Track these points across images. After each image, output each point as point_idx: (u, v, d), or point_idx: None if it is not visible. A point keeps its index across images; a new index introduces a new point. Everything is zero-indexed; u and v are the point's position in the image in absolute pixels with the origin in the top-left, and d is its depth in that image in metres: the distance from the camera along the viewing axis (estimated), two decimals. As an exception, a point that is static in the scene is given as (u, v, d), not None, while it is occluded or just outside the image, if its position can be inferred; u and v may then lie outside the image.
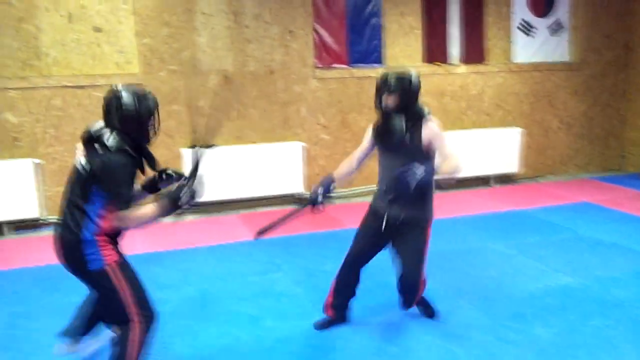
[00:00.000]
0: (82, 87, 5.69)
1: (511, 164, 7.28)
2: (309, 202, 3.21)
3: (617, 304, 3.73)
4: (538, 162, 7.69)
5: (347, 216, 5.88)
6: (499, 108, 7.40)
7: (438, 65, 6.99)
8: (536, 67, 7.45)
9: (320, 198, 3.18)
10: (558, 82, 7.61)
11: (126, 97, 2.59)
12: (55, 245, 2.65)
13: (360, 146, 3.44)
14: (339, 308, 3.47)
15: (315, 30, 6.43)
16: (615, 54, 7.82)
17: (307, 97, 6.51)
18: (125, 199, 2.50)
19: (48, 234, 5.55)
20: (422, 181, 2.92)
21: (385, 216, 3.20)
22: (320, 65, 6.51)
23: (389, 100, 3.15)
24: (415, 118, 3.15)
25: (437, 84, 7.03)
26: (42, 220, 5.72)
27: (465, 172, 6.90)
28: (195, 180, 2.69)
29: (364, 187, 6.64)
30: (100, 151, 2.54)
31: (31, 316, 3.74)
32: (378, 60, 6.74)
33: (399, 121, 3.14)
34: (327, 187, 3.21)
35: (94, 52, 5.71)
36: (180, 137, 6.04)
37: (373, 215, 3.30)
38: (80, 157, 2.63)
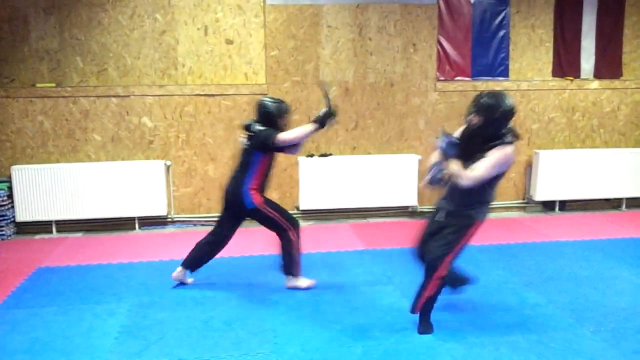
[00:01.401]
0: (212, 95, 6.05)
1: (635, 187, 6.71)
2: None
3: None
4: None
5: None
6: (636, 127, 6.85)
7: (569, 80, 6.63)
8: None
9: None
10: None
11: (267, 102, 4.13)
12: (227, 196, 4.15)
13: None
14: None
15: (439, 43, 6.36)
16: None
17: (426, 110, 6.44)
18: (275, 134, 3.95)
19: (172, 231, 5.99)
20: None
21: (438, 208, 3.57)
22: (442, 78, 6.42)
23: (474, 119, 3.30)
24: (493, 141, 3.26)
25: (567, 100, 6.67)
26: (169, 218, 6.14)
27: (592, 194, 6.54)
28: (330, 107, 3.95)
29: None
30: (254, 133, 4.04)
31: (156, 306, 4.02)
32: (504, 73, 6.53)
33: (476, 140, 3.30)
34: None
35: (225, 63, 6.06)
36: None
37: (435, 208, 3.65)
38: (243, 139, 4.12)
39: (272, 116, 4.06)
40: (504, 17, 6.42)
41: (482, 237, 5.44)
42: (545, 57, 6.60)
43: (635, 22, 6.67)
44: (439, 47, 6.37)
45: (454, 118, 6.48)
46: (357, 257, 5.05)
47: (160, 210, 6.00)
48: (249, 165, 4.07)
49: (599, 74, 6.70)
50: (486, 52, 6.47)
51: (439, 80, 6.41)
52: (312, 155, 6.20)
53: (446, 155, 3.35)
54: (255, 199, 4.07)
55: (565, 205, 6.72)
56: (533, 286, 4.29)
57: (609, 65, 6.72)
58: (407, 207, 6.42)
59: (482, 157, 3.24)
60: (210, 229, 4.37)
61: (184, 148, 6.12)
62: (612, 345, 3.36)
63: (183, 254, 4.38)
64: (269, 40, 6.08)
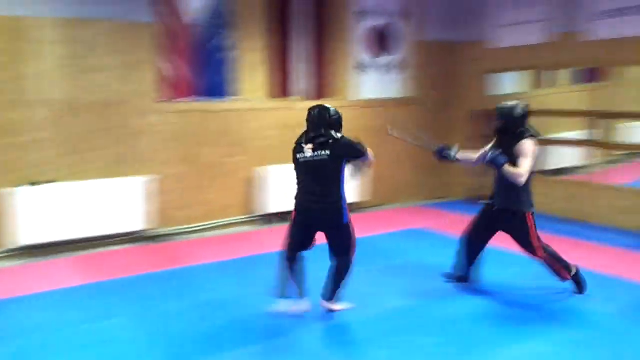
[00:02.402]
0: None
1: (357, 194, 7.59)
2: (440, 153, 4.54)
3: (445, 321, 4.02)
4: (380, 192, 8.08)
5: (187, 253, 5.75)
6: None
7: (285, 100, 7.16)
8: (375, 102, 7.93)
9: (453, 154, 4.50)
10: (395, 117, 8.11)
11: (332, 108, 4.18)
12: (323, 214, 3.98)
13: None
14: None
15: (160, 63, 6.27)
16: (444, 92, 8.59)
17: (148, 131, 6.27)
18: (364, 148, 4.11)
19: None
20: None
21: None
22: (164, 99, 6.34)
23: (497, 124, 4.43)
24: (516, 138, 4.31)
25: (283, 119, 7.16)
26: None
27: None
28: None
29: (203, 223, 6.59)
30: (332, 141, 3.96)
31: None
32: (226, 93, 6.74)
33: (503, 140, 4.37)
34: (454, 150, 4.51)
35: None
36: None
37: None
38: (309, 152, 3.96)
39: (339, 123, 4.08)
40: (223, 40, 6.64)
41: (212, 254, 5.58)
42: (262, 78, 7.02)
43: (335, 48, 7.53)
44: (159, 67, 6.29)
45: (178, 139, 6.46)
46: (76, 294, 4.62)
47: None
48: (338, 177, 3.97)
49: (309, 95, 7.38)
50: (207, 73, 6.59)
51: (160, 101, 6.32)
52: (34, 184, 5.52)
53: (496, 165, 4.17)
54: (348, 214, 4.00)
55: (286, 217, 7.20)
56: (268, 295, 4.49)
57: (318, 86, 7.47)
58: (133, 233, 6.16)
59: (511, 152, 4.18)
60: None
61: None
62: (332, 339, 3.67)
63: None
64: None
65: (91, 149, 5.96)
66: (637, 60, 6.55)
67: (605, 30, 6.66)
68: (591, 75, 8.07)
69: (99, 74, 5.92)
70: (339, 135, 4.02)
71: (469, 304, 4.33)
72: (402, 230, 6.71)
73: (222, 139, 6.74)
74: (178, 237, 6.42)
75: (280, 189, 6.92)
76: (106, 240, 6.02)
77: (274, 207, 6.95)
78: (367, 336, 3.80)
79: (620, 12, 6.48)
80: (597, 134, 6.98)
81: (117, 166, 6.13)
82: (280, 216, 7.03)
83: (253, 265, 5.35)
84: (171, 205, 6.45)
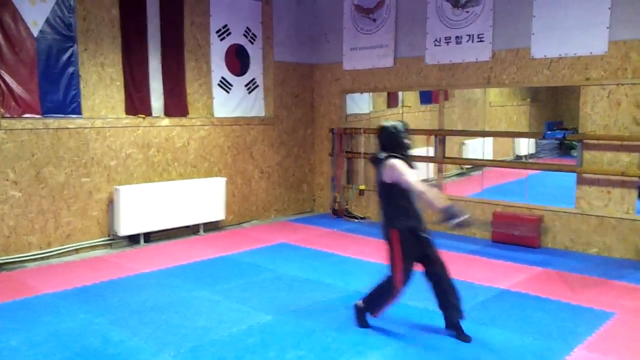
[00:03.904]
0: None
1: (218, 212, 7.59)
2: (460, 221, 3.82)
3: (309, 333, 4.15)
4: (243, 209, 8.18)
5: (38, 281, 5.38)
6: (204, 159, 7.69)
7: (142, 117, 6.97)
8: (236, 121, 8.01)
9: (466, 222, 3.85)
10: (256, 135, 8.29)
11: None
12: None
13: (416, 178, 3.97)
14: None
15: (1, 77, 5.82)
16: (303, 111, 8.91)
17: (-9, 150, 5.79)
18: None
19: None
20: None
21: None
22: (7, 115, 5.88)
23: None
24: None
25: (141, 136, 6.98)
26: None
27: (174, 222, 7.03)
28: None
29: (57, 247, 6.23)
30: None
31: None
32: (77, 110, 6.41)
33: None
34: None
35: None
36: None
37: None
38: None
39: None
40: (71, 54, 6.32)
41: (64, 282, 5.25)
42: (117, 95, 6.78)
43: (193, 67, 7.52)
44: (1, 82, 5.83)
45: (25, 158, 6.02)
46: None
47: None
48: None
49: (168, 112, 7.26)
50: (56, 89, 6.24)
51: (4, 117, 5.86)
52: None
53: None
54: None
55: (150, 237, 7.01)
56: (118, 323, 4.32)
57: (177, 104, 7.37)
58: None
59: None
60: None
61: None
62: (191, 363, 3.66)
63: None
64: None
65: None
66: (469, 83, 7.32)
67: (442, 56, 7.40)
68: (434, 96, 8.83)
69: None
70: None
71: (331, 316, 4.50)
72: (265, 246, 6.81)
73: (77, 158, 6.39)
74: (28, 264, 5.96)
75: (140, 209, 6.72)
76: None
77: (135, 228, 6.72)
78: (227, 356, 3.79)
79: (458, 39, 7.24)
80: (439, 150, 7.65)
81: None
82: (144, 237, 6.82)
83: (112, 290, 5.13)
84: (21, 230, 5.98)
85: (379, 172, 4.09)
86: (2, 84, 5.84)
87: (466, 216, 3.81)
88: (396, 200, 4.03)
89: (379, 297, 4.16)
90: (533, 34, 6.62)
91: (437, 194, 4.09)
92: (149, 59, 7.03)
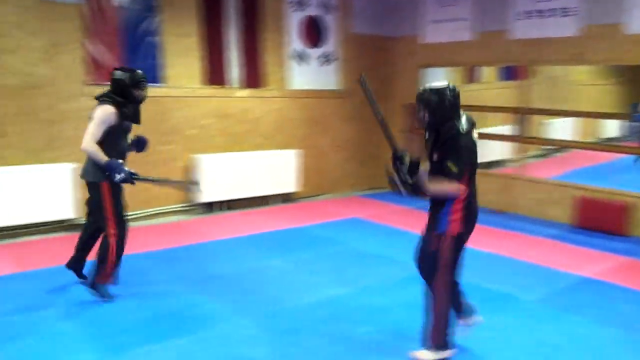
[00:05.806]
0: None
1: (291, 184, 7.64)
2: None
3: (381, 310, 4.10)
4: (316, 182, 8.18)
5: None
6: (278, 132, 7.72)
7: (219, 88, 7.05)
8: (310, 94, 7.97)
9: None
10: (330, 108, 8.22)
11: None
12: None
13: None
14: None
15: (86, 45, 6.02)
16: (378, 85, 8.74)
17: (76, 116, 6.02)
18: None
19: None
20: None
21: None
22: (92, 82, 6.10)
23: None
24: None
25: (218, 107, 7.08)
26: None
27: (248, 192, 7.14)
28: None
29: (138, 211, 6.41)
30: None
31: None
32: (157, 80, 6.56)
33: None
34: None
35: None
36: None
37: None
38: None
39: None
40: (152, 24, 6.46)
41: (143, 244, 5.45)
42: (195, 65, 6.89)
43: (270, 37, 7.50)
44: (86, 50, 6.04)
45: (109, 124, 6.22)
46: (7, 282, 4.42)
47: None
48: None
49: (245, 83, 7.32)
50: (138, 58, 6.39)
51: (89, 84, 6.08)
52: None
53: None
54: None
55: (225, 205, 7.15)
56: (195, 287, 4.44)
57: (253, 75, 7.41)
58: (62, 221, 5.91)
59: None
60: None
61: None
62: (266, 330, 3.70)
63: None
64: None
65: (16, 134, 5.67)
66: (555, 59, 6.92)
67: (526, 30, 7.02)
68: (515, 72, 8.44)
69: (23, 54, 5.63)
70: None
71: (403, 294, 4.44)
72: (337, 220, 6.79)
73: (156, 126, 6.56)
74: None
75: (217, 177, 6.86)
76: (33, 229, 5.77)
77: (212, 196, 6.87)
78: (300, 325, 3.82)
79: (544, 13, 6.84)
80: (520, 129, 7.33)
81: (45, 151, 5.85)
82: (220, 205, 6.98)
83: (189, 255, 5.28)
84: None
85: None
86: (87, 52, 6.05)
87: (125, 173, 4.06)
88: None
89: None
90: (628, 8, 6.15)
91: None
92: (226, 30, 7.08)
